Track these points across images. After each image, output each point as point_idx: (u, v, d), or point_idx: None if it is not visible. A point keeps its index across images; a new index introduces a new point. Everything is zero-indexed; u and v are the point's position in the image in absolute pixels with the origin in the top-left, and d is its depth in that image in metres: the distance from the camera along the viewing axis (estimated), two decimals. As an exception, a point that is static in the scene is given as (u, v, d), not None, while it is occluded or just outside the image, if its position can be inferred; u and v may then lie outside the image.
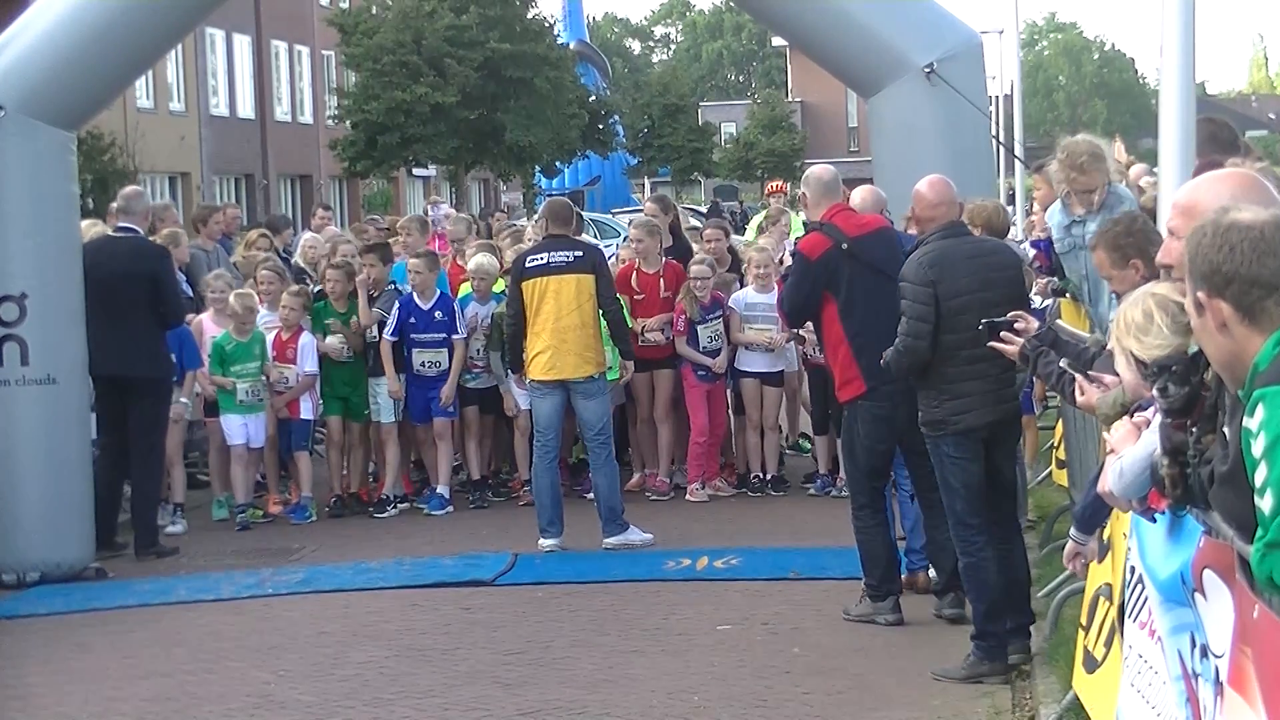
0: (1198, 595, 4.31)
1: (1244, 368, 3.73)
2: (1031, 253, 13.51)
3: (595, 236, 17.61)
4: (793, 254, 10.00)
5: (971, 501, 8.35)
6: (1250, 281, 3.75)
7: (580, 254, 11.75)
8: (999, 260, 8.64)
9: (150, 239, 12.30)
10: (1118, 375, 5.63)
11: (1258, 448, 3.58)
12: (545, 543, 11.51)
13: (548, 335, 11.54)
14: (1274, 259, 3.75)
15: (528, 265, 11.71)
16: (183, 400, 12.96)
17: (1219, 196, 4.46)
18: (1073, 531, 6.35)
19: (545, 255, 11.70)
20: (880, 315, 8.83)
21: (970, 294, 8.28)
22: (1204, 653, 4.36)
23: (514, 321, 11.72)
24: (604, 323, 11.73)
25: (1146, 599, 5.17)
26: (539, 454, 11.74)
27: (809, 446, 14.70)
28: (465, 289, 13.69)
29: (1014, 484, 8.75)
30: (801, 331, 12.75)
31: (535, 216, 13.41)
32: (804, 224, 11.03)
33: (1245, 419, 3.64)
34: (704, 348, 13.30)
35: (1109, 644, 6.35)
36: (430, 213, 22.88)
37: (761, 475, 13.40)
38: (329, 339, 13.20)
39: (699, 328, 13.29)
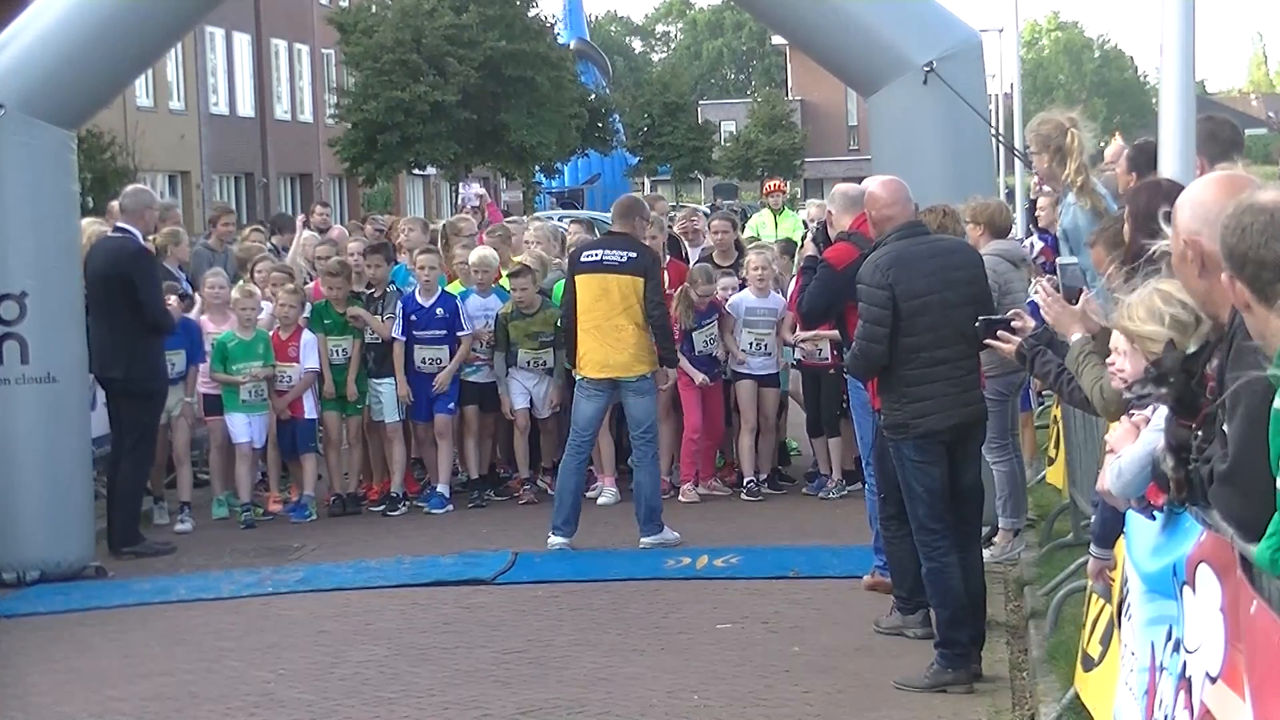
0: (1186, 589, 4.31)
1: (1271, 345, 3.75)
2: (1039, 246, 13.53)
3: (596, 234, 17.57)
4: (809, 261, 9.96)
5: (933, 506, 8.25)
6: (1260, 264, 3.76)
7: (634, 255, 11.64)
8: (959, 260, 8.52)
9: (143, 240, 12.25)
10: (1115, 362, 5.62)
11: None
12: (555, 540, 11.48)
13: (599, 333, 11.51)
14: None
15: (582, 260, 11.72)
16: (187, 399, 13.00)
17: (1213, 199, 4.46)
18: (1092, 549, 6.34)
19: (600, 252, 11.72)
20: None
21: (929, 295, 8.20)
22: (1176, 646, 4.36)
23: (566, 315, 11.72)
24: None
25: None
26: (572, 452, 11.69)
27: (795, 445, 14.70)
28: (455, 285, 13.68)
29: (977, 489, 8.58)
30: (805, 341, 12.81)
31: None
32: (809, 228, 11.00)
33: (1277, 400, 3.63)
34: (699, 352, 13.28)
35: (1105, 642, 6.36)
36: (462, 190, 22.87)
37: (756, 480, 13.37)
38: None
39: (694, 333, 13.27)
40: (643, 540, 11.49)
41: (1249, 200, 3.84)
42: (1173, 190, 6.56)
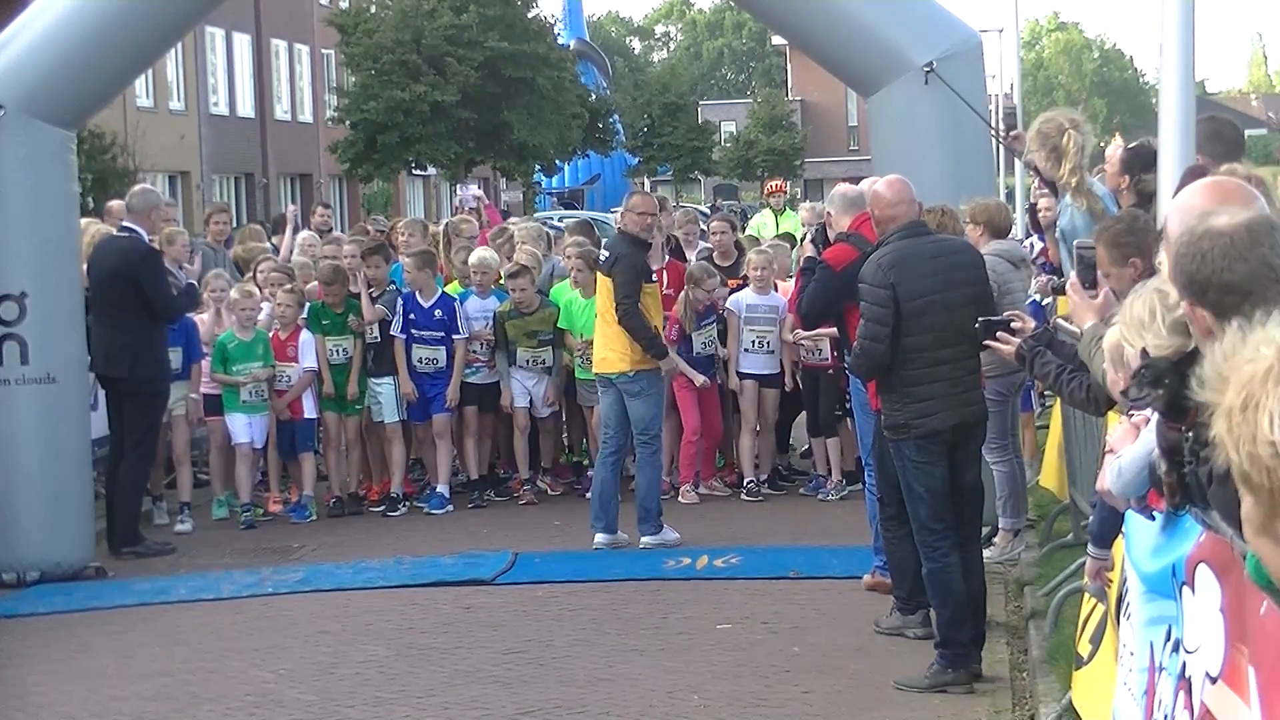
0: (1185, 589, 4.30)
1: None
2: (1039, 246, 13.52)
3: (596, 234, 17.55)
4: (808, 262, 9.96)
5: (935, 506, 8.25)
6: (1224, 288, 3.73)
7: (607, 254, 11.94)
8: (961, 260, 8.53)
9: (147, 239, 12.27)
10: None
11: None
12: (595, 539, 11.54)
13: (598, 329, 11.78)
14: (1244, 264, 3.73)
15: (600, 260, 12.27)
16: (192, 396, 13.02)
17: (1200, 205, 4.45)
18: (1090, 548, 6.34)
19: (604, 253, 12.16)
20: None
21: (930, 295, 8.21)
22: (1175, 647, 4.36)
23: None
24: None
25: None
26: (599, 449, 11.97)
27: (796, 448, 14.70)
28: (454, 287, 13.70)
29: (978, 489, 8.57)
30: (804, 338, 12.78)
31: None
32: (812, 230, 10.94)
33: None
34: (697, 353, 13.27)
35: (1095, 641, 6.36)
36: (460, 193, 22.78)
37: (756, 480, 13.37)
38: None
39: (693, 334, 13.26)
40: (643, 541, 11.50)
41: (1204, 226, 3.82)
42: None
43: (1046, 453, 11.55)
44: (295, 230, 17.28)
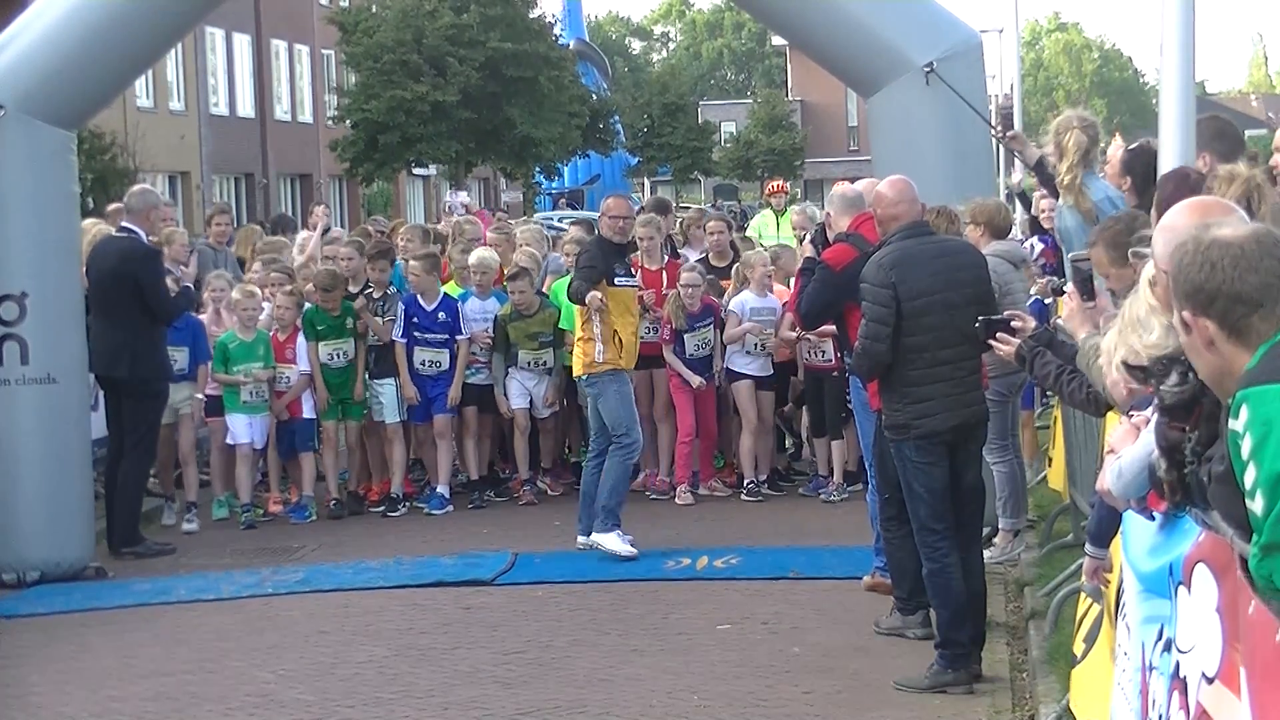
0: (1181, 589, 4.30)
1: (1233, 383, 3.71)
2: (1039, 248, 13.54)
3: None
4: (808, 262, 9.95)
5: (935, 506, 8.25)
6: (1233, 298, 3.72)
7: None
8: (963, 260, 8.53)
9: (146, 240, 12.28)
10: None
11: (1245, 449, 3.57)
12: (578, 540, 11.48)
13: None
14: (1255, 274, 3.72)
15: None
16: (197, 396, 13.03)
17: (1186, 224, 4.45)
18: (1088, 547, 6.34)
19: None
20: None
21: (932, 295, 8.21)
22: (1167, 646, 4.35)
23: None
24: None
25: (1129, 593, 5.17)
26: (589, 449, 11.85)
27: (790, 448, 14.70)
28: (451, 287, 13.69)
29: (978, 489, 8.55)
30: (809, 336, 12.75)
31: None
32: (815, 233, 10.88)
33: (1230, 421, 3.62)
34: (690, 355, 13.26)
35: (1089, 640, 6.36)
36: (449, 199, 22.75)
37: (756, 480, 13.36)
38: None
39: (685, 335, 13.24)
40: (590, 537, 11.27)
41: (1209, 236, 3.81)
42: (1200, 182, 6.58)
43: (1055, 452, 11.54)
44: (324, 231, 17.28)
